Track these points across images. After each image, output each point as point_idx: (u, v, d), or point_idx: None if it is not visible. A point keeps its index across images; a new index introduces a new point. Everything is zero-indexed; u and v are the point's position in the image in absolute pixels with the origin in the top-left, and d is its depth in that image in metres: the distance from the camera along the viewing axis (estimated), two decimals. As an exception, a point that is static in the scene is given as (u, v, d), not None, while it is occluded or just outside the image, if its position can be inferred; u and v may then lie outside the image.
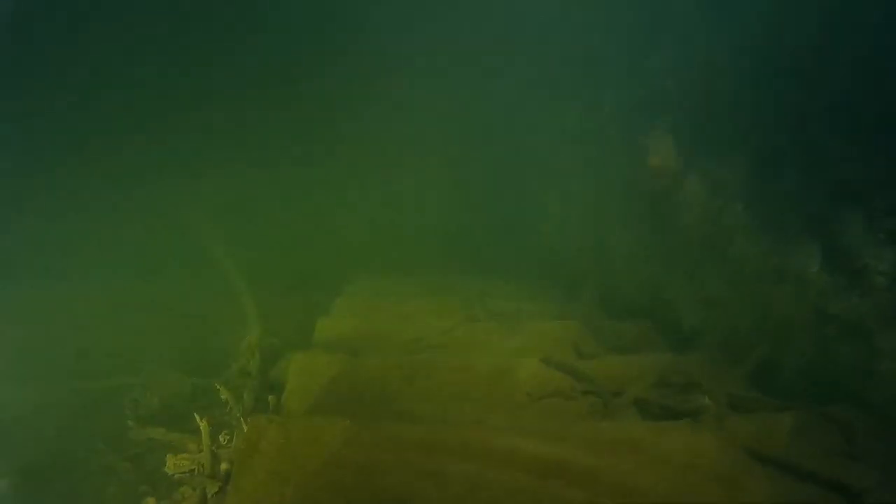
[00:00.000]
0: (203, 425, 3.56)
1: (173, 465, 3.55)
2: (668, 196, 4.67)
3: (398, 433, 3.04)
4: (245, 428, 3.22)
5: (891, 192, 3.14)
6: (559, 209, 7.09)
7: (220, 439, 3.70)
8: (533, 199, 7.72)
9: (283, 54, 8.50)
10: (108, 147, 7.91)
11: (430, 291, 6.48)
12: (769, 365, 3.60)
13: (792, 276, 3.49)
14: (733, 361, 3.88)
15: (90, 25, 7.90)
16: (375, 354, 4.36)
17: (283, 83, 8.55)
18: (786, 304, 3.54)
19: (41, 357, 5.10)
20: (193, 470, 3.50)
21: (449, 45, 7.90)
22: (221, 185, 8.29)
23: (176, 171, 8.07)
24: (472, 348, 4.58)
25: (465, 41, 7.81)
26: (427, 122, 8.31)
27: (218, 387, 4.19)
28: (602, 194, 5.99)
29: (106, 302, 6.37)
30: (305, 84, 8.50)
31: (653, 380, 3.73)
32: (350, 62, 8.39)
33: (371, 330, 4.87)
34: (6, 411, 4.23)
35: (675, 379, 3.78)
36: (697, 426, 3.16)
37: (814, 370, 3.46)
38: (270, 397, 3.90)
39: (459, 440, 2.96)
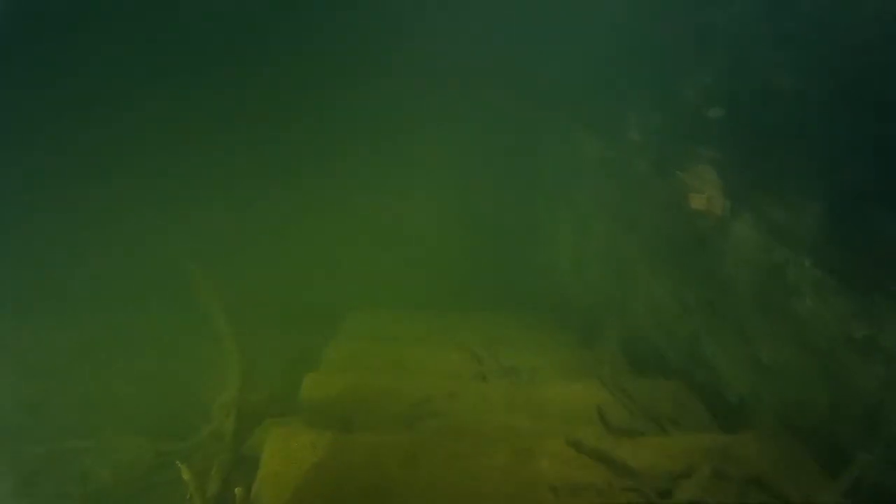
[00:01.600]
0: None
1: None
2: (710, 242, 4.01)
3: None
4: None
5: None
6: (573, 249, 6.44)
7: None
8: (544, 236, 7.09)
9: (275, 76, 7.82)
10: (87, 173, 7.23)
11: (433, 335, 5.83)
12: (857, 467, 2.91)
13: (882, 352, 2.82)
14: (802, 448, 3.20)
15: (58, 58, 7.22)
16: (369, 426, 3.67)
17: (276, 102, 7.88)
18: (874, 385, 2.86)
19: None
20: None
21: (452, 62, 7.25)
22: (209, 214, 7.59)
23: (158, 200, 7.39)
24: (482, 419, 3.90)
25: (471, 58, 7.17)
26: (429, 150, 7.67)
27: (180, 465, 3.50)
28: (626, 235, 5.34)
29: (71, 342, 5.68)
30: (299, 105, 7.85)
31: (707, 473, 3.06)
32: (351, 78, 7.74)
33: (366, 389, 4.18)
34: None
35: (732, 471, 3.10)
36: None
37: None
38: (237, 489, 3.20)
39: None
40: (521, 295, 7.24)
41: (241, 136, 7.79)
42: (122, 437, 4.07)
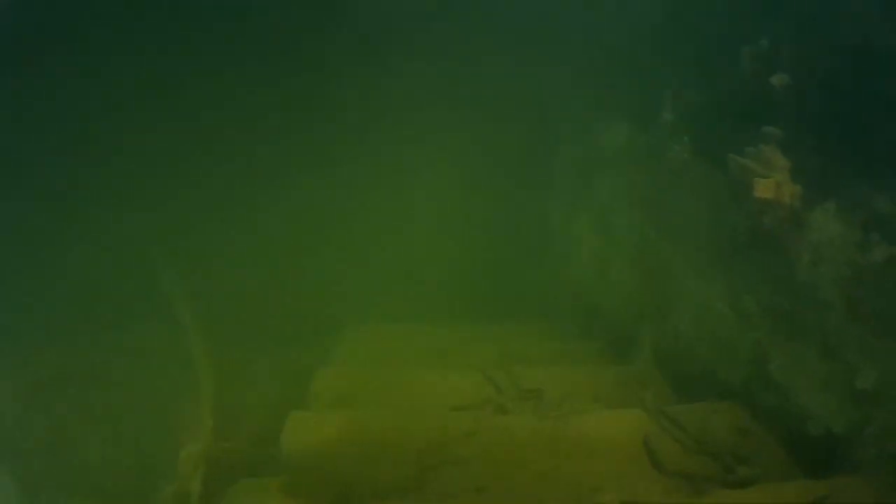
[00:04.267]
0: None
1: None
2: (778, 237, 3.28)
3: None
4: None
5: None
6: (595, 250, 5.71)
7: None
8: (561, 236, 6.35)
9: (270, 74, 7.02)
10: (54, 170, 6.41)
11: (440, 354, 5.10)
12: None
13: None
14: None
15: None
16: (369, 490, 2.93)
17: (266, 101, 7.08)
18: None
19: None
20: None
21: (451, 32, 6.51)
22: (189, 220, 6.75)
23: (128, 201, 6.56)
24: (509, 465, 3.16)
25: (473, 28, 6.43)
26: (430, 140, 6.91)
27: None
28: (661, 232, 4.61)
29: (16, 375, 4.88)
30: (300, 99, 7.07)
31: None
32: (357, 68, 6.98)
33: (363, 433, 3.44)
34: None
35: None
36: None
37: None
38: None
39: None
40: (535, 302, 6.52)
41: (231, 138, 6.98)
42: (66, 499, 3.33)
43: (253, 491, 2.93)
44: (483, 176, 6.99)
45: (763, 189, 3.13)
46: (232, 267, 6.40)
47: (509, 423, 3.57)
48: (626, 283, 5.17)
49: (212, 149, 6.69)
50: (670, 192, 4.43)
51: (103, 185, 6.32)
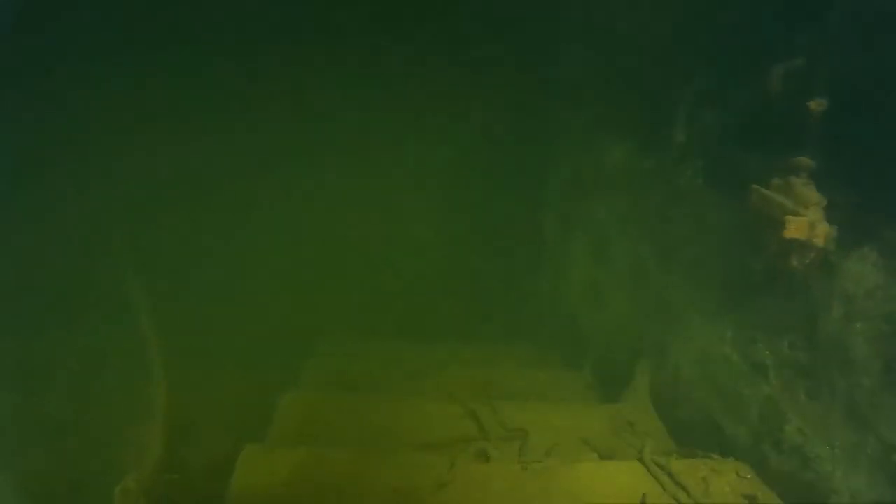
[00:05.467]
0: None
1: None
2: (803, 282, 2.90)
3: None
4: None
5: None
6: (589, 276, 5.33)
7: None
8: (552, 259, 5.97)
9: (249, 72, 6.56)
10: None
11: (417, 379, 4.70)
12: None
13: None
14: None
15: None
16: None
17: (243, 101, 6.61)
18: None
19: None
20: None
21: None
22: (153, 222, 6.23)
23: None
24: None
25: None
26: (414, 152, 6.52)
27: None
28: (663, 263, 4.23)
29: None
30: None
31: None
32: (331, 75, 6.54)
33: (323, 474, 3.03)
34: None
35: None
36: None
37: None
38: None
39: None
40: (522, 325, 6.12)
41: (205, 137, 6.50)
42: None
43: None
44: (472, 190, 6.61)
45: (795, 228, 2.75)
46: (198, 276, 5.93)
47: (489, 472, 3.16)
48: (622, 314, 4.79)
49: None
50: (676, 222, 4.05)
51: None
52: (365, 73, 6.50)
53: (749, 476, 3.20)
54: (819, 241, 2.80)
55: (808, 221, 2.75)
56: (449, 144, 6.73)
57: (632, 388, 4.35)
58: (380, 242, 6.77)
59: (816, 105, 2.87)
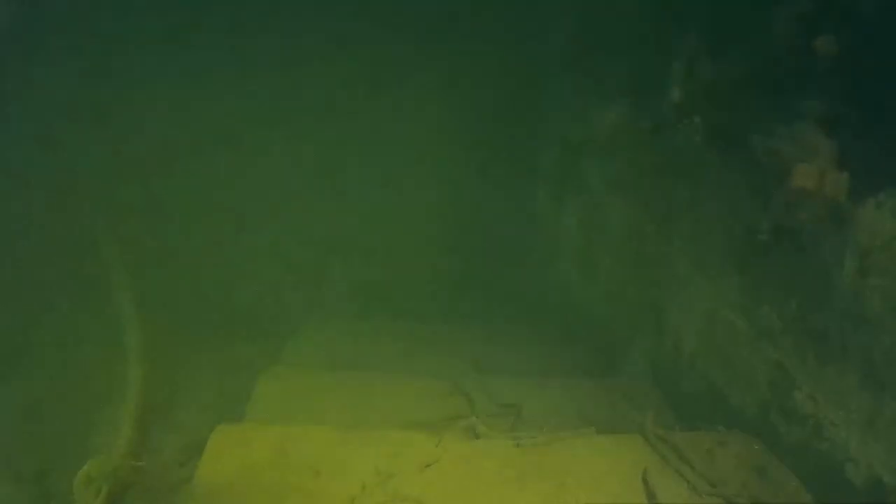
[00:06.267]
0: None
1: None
2: (813, 237, 2.68)
3: None
4: None
5: None
6: (582, 243, 5.11)
7: None
8: (543, 227, 5.75)
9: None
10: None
11: (405, 357, 4.49)
12: None
13: None
14: None
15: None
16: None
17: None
18: None
19: None
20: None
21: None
22: (132, 204, 6.03)
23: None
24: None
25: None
26: (399, 121, 6.29)
27: None
28: (660, 226, 4.01)
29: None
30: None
31: None
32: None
33: (299, 455, 2.82)
34: None
35: None
36: None
37: None
38: None
39: None
40: (512, 298, 5.89)
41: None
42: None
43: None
44: (459, 157, 6.38)
45: (804, 177, 2.53)
46: (178, 246, 5.71)
47: (479, 450, 2.94)
48: (618, 284, 4.58)
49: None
50: (674, 182, 3.83)
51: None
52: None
53: (757, 447, 3.00)
54: (829, 191, 2.58)
55: (817, 169, 2.52)
56: (437, 118, 6.53)
57: (629, 361, 4.15)
58: (368, 219, 6.55)
59: (823, 45, 2.64)
